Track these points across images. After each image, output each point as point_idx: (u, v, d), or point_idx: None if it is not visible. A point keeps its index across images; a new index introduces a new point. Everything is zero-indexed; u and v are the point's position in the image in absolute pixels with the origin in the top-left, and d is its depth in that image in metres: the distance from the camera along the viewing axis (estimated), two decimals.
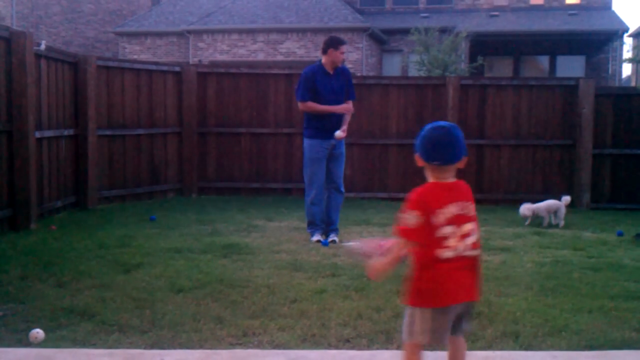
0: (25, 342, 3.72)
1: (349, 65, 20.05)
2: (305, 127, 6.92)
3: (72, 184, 8.49)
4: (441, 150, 2.70)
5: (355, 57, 21.84)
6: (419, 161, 2.77)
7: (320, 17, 22.64)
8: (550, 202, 8.28)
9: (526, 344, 3.79)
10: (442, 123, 2.78)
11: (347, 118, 6.90)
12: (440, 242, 2.65)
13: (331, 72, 6.82)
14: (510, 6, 25.09)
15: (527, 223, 8.16)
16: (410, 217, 2.64)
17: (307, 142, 6.89)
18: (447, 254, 2.66)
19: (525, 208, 8.23)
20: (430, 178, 2.77)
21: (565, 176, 10.18)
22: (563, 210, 8.24)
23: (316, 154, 6.82)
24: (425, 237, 2.65)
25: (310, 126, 6.85)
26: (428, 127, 2.76)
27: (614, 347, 3.78)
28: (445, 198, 2.68)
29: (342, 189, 7.01)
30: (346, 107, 6.82)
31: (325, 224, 6.96)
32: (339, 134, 6.73)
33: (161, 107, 9.88)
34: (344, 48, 6.86)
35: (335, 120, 6.78)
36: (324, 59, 6.81)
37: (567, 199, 8.38)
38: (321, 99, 6.76)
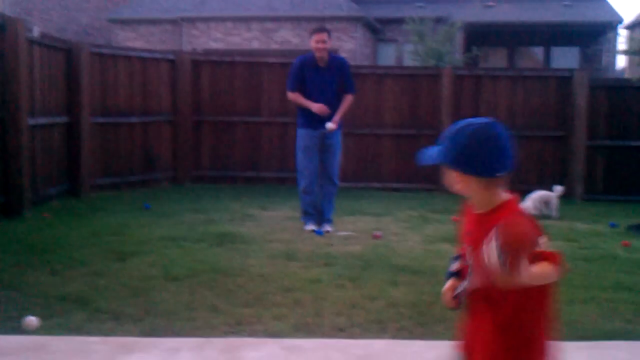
0: (20, 330, 3.72)
1: (343, 54, 20.00)
2: (297, 116, 6.93)
3: (66, 171, 8.46)
4: (505, 154, 1.95)
5: (349, 46, 21.76)
6: (464, 179, 1.97)
7: (314, 5, 22.53)
8: (541, 193, 8.28)
9: None
10: (482, 119, 2.00)
11: (342, 109, 6.82)
12: None
13: (321, 64, 6.75)
14: None
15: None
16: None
17: (298, 131, 6.90)
18: None
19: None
20: (486, 196, 1.97)
21: (559, 167, 10.20)
22: (555, 202, 8.25)
23: (306, 143, 6.82)
24: None
25: (301, 115, 6.86)
26: (469, 128, 1.96)
27: (607, 338, 3.81)
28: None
29: (336, 180, 6.98)
30: (320, 108, 6.60)
31: (319, 213, 6.96)
32: (329, 125, 6.66)
33: (155, 95, 9.84)
34: (319, 36, 6.63)
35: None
36: None
37: (559, 189, 8.38)
38: (307, 91, 6.74)
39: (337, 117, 6.74)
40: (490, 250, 1.71)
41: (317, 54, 6.69)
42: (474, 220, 2.03)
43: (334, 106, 6.74)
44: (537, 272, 1.81)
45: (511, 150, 1.97)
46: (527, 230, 1.80)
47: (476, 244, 1.92)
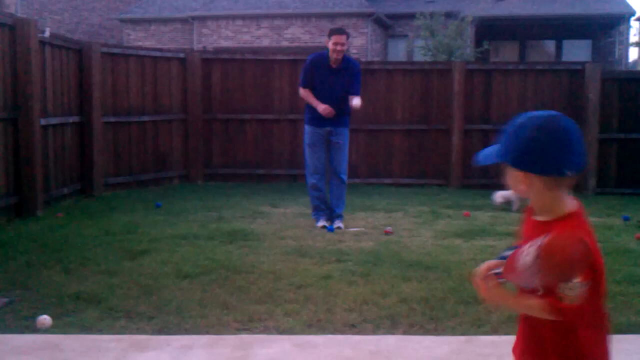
0: (33, 329, 3.74)
1: (353, 51, 19.97)
2: (305, 113, 6.96)
3: (78, 171, 8.51)
4: (576, 150, 1.74)
5: (360, 42, 21.74)
6: (527, 178, 1.79)
7: (324, 2, 22.52)
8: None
9: None
10: (545, 112, 1.81)
11: (355, 105, 6.78)
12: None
13: (333, 65, 6.72)
14: None
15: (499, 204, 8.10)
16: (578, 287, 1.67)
17: (305, 128, 6.93)
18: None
19: (499, 196, 8.12)
20: (549, 200, 1.78)
21: None
22: None
23: (312, 139, 6.86)
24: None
25: (308, 112, 6.89)
26: (535, 121, 1.79)
27: (620, 332, 3.78)
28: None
29: (344, 178, 6.96)
30: (325, 110, 6.58)
31: (330, 210, 6.97)
32: (356, 102, 6.57)
33: (166, 94, 9.87)
34: (337, 39, 6.58)
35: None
36: None
37: None
38: (315, 90, 6.76)
39: (358, 101, 6.67)
40: (528, 254, 1.57)
41: (333, 56, 6.68)
42: (533, 227, 1.82)
43: (341, 108, 6.72)
44: (538, 303, 1.67)
45: (582, 147, 1.76)
46: (576, 259, 1.58)
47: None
